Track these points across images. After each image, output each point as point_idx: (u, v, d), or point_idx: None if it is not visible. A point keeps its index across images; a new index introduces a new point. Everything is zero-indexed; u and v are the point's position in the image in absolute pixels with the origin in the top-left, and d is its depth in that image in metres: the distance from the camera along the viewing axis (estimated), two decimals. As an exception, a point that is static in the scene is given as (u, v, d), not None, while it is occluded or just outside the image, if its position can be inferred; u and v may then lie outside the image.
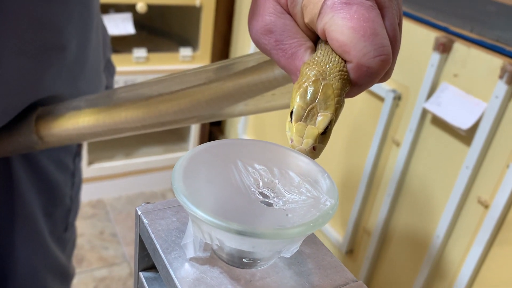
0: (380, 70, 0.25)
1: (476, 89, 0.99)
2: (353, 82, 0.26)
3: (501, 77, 0.92)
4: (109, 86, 0.65)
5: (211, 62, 1.35)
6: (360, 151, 1.31)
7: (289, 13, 0.27)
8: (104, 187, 1.74)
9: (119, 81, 1.59)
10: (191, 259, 0.23)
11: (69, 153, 0.61)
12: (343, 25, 0.24)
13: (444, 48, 1.03)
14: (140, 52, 1.67)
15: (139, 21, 1.74)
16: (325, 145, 0.26)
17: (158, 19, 1.98)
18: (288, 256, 0.23)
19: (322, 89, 0.25)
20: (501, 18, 1.17)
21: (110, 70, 0.66)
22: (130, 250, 1.56)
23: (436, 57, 1.04)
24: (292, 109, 0.25)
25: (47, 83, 0.49)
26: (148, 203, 0.27)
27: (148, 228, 0.24)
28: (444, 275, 1.11)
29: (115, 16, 1.61)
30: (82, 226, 1.61)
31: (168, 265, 0.22)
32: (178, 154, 1.90)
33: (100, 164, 1.71)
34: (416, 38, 1.09)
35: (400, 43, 0.27)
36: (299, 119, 0.25)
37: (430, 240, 1.12)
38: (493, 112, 0.94)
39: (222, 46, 1.90)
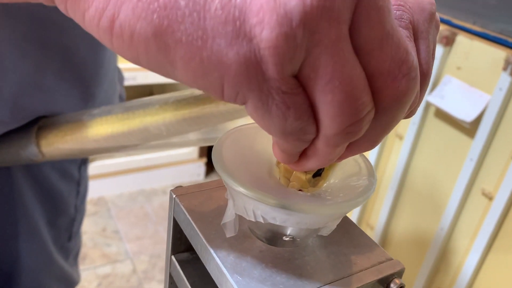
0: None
1: (480, 81, 0.99)
2: None
3: (504, 69, 0.93)
4: (121, 96, 0.64)
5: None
6: (363, 145, 1.31)
7: None
8: (106, 184, 1.74)
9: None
10: (230, 239, 0.23)
11: (74, 162, 0.60)
12: None
13: (447, 41, 1.03)
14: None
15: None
16: (319, 187, 0.23)
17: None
18: (326, 234, 0.23)
19: None
20: (502, 11, 1.18)
21: (119, 78, 0.64)
22: (132, 247, 1.56)
23: (439, 50, 1.04)
24: None
25: (50, 87, 0.47)
26: (180, 186, 0.27)
27: (184, 210, 0.25)
28: (448, 268, 1.11)
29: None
30: (84, 223, 1.60)
31: (208, 246, 0.23)
32: (178, 151, 1.90)
33: (102, 161, 1.70)
34: (419, 31, 1.10)
35: (431, 74, 0.23)
36: None
37: (434, 232, 1.13)
38: (497, 104, 0.95)
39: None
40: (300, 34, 0.15)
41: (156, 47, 0.17)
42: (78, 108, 0.50)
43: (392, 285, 0.23)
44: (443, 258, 1.13)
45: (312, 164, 0.20)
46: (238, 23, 0.16)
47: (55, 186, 0.58)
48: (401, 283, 0.23)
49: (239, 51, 0.16)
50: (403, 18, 0.21)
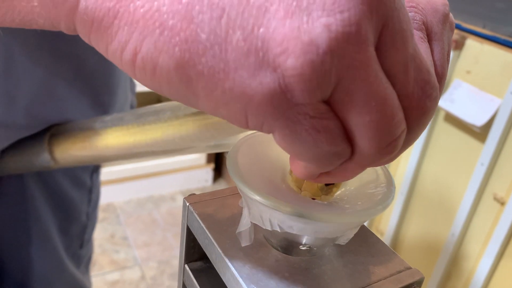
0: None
1: (490, 85, 0.98)
2: None
3: (515, 72, 0.92)
4: (132, 105, 0.64)
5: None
6: (372, 150, 1.30)
7: None
8: (114, 190, 1.74)
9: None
10: (245, 248, 0.23)
11: (86, 169, 0.60)
12: None
13: (456, 45, 1.03)
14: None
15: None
16: (332, 195, 0.22)
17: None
18: (344, 243, 0.23)
19: None
20: (511, 15, 1.17)
21: (131, 86, 0.64)
22: (141, 253, 1.56)
23: (448, 54, 1.04)
24: None
25: (62, 96, 0.47)
26: (193, 194, 0.27)
27: (198, 218, 0.24)
28: (460, 274, 1.10)
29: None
30: (93, 230, 1.60)
31: (223, 255, 0.22)
32: (185, 157, 1.90)
33: (110, 168, 1.71)
34: (428, 35, 1.09)
35: (446, 76, 0.22)
36: None
37: (445, 238, 1.11)
38: (508, 108, 0.94)
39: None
40: (328, 61, 0.15)
41: (178, 79, 0.17)
42: (90, 116, 0.50)
43: (411, 295, 0.22)
44: (454, 264, 1.11)
45: (335, 180, 0.19)
46: (261, 53, 0.15)
47: (67, 193, 0.58)
48: (421, 293, 0.22)
49: (263, 81, 0.16)
50: (415, 20, 0.20)
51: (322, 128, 0.16)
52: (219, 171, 2.04)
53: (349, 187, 0.23)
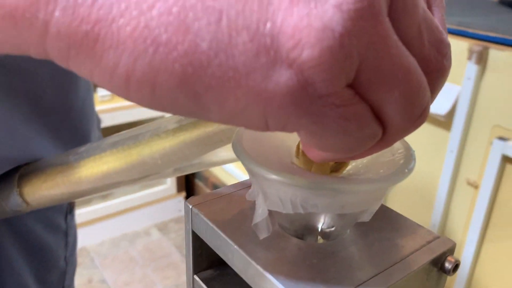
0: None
1: (447, 74, 1.01)
2: None
3: (469, 58, 0.95)
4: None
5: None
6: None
7: None
8: (85, 233, 1.66)
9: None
10: (264, 241, 0.21)
11: (59, 211, 0.56)
12: None
13: (410, 40, 1.06)
14: (104, 91, 1.64)
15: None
16: (341, 173, 0.21)
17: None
18: (367, 220, 0.21)
19: None
20: (455, 7, 1.23)
21: (96, 122, 0.61)
22: (122, 295, 1.48)
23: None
24: None
25: (23, 133, 0.45)
26: (194, 196, 0.24)
27: (206, 219, 0.22)
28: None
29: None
30: (67, 278, 1.52)
31: (242, 251, 0.20)
32: (155, 188, 1.85)
33: (78, 210, 1.63)
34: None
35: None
36: None
37: (427, 230, 1.12)
38: (467, 93, 0.97)
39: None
40: (346, 42, 0.14)
41: (183, 96, 0.15)
42: (54, 153, 0.47)
43: (447, 264, 0.21)
44: (440, 255, 1.12)
45: (359, 157, 0.18)
46: (272, 51, 0.14)
47: (41, 239, 0.54)
48: (456, 260, 0.21)
49: (279, 80, 0.14)
50: None
51: (351, 115, 0.15)
52: (191, 199, 2.00)
53: (360, 161, 0.22)
